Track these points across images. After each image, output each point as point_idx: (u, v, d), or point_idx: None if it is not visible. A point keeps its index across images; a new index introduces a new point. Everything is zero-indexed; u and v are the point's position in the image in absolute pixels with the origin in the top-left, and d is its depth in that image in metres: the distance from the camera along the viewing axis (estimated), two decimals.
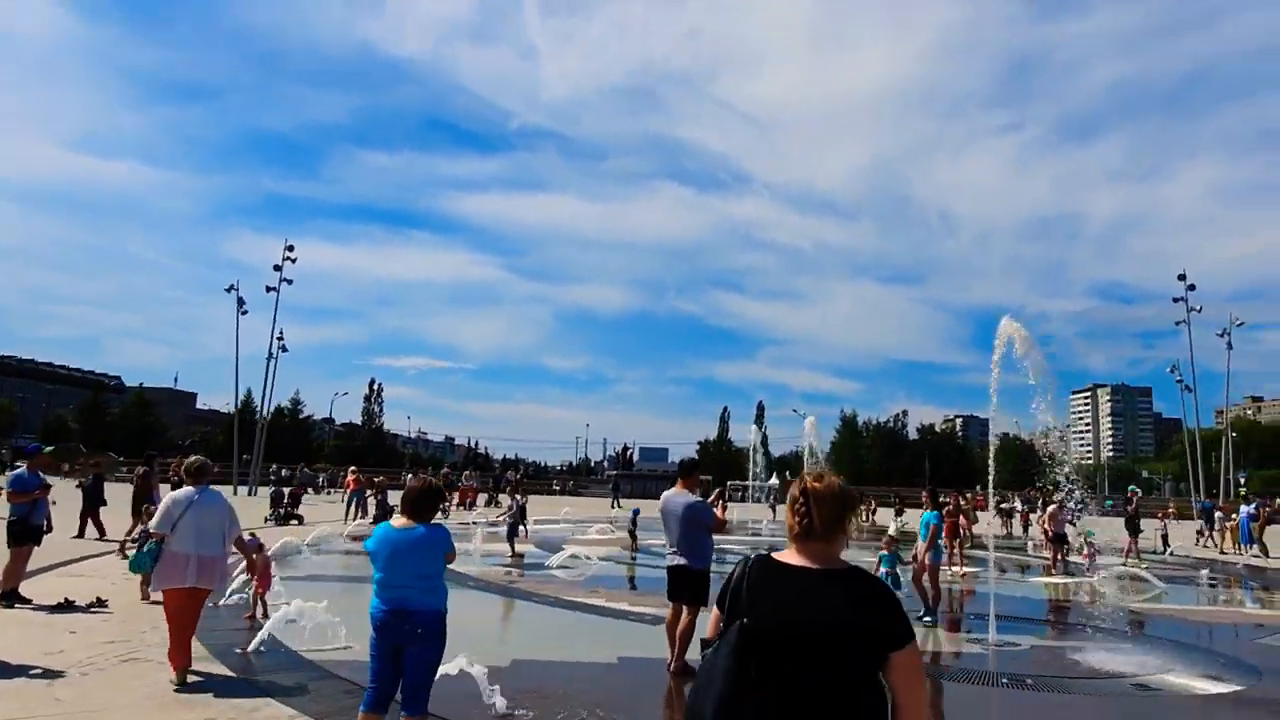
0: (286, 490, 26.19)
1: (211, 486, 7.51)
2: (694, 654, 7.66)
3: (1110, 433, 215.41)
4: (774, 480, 39.05)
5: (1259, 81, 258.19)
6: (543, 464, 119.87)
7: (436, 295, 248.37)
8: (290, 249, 41.31)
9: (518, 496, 19.97)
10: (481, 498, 41.32)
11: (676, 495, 8.08)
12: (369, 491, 26.25)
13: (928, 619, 11.26)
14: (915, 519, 13.04)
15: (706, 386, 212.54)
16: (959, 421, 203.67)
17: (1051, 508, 20.67)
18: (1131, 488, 28.73)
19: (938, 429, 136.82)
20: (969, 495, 33.12)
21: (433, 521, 5.09)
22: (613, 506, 40.04)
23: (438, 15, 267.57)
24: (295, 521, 24.06)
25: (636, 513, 22.81)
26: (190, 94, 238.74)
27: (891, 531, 14.68)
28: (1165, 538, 25.03)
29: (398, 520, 5.06)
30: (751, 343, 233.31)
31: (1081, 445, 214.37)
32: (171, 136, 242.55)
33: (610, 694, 7.04)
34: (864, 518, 32.77)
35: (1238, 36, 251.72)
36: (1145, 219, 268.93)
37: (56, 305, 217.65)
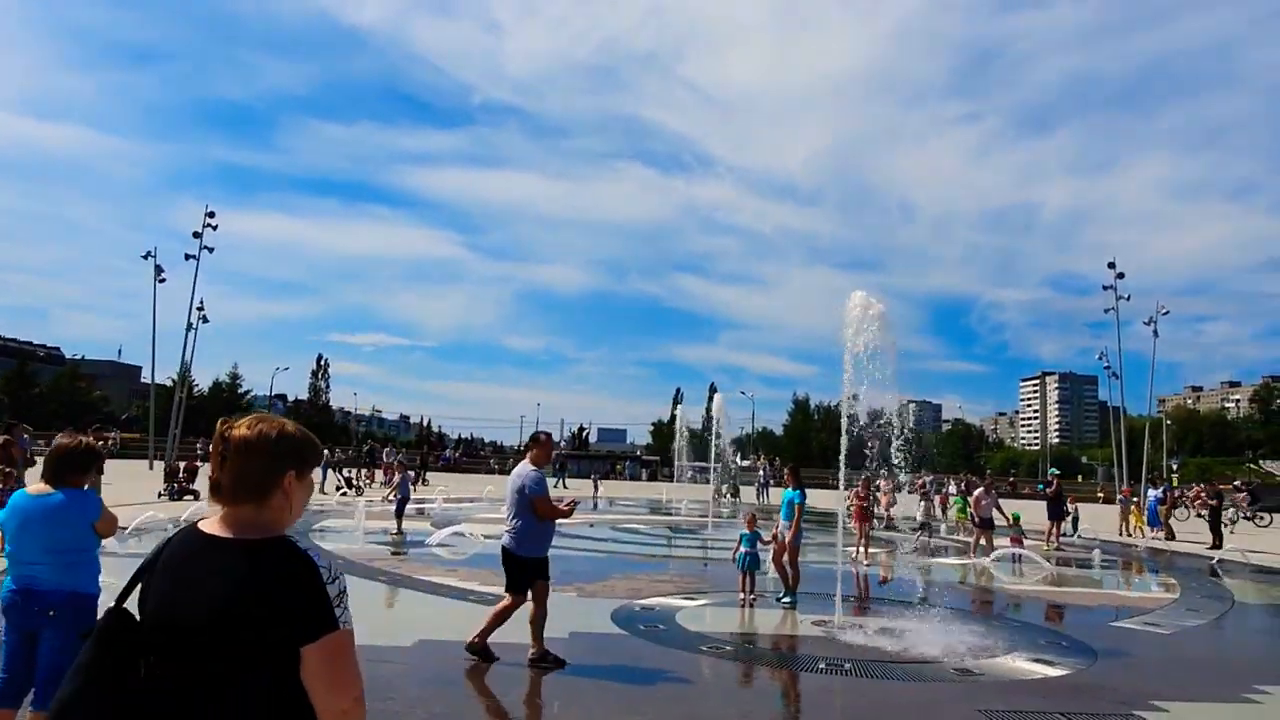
0: (182, 465, 25.18)
1: None
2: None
3: (1057, 419, 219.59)
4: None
5: (1206, 81, 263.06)
6: (500, 444, 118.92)
7: (395, 271, 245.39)
8: (211, 215, 39.77)
9: (408, 474, 19.32)
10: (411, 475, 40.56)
11: (519, 467, 7.54)
12: None
13: (787, 599, 10.91)
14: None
15: (666, 368, 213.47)
16: (911, 407, 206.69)
17: (977, 491, 20.54)
18: (1052, 470, 28.81)
19: (887, 413, 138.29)
20: (882, 480, 33.15)
21: (87, 488, 4.44)
22: (558, 486, 39.24)
23: None
24: (190, 497, 23.18)
25: None
26: (140, 57, 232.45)
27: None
28: (1075, 520, 25.13)
29: (34, 486, 4.39)
30: (712, 325, 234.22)
31: (1029, 431, 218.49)
32: (119, 100, 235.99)
33: (370, 678, 6.49)
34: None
35: (1187, 36, 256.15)
36: (1097, 211, 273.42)
37: None
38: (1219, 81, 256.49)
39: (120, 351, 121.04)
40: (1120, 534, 26.46)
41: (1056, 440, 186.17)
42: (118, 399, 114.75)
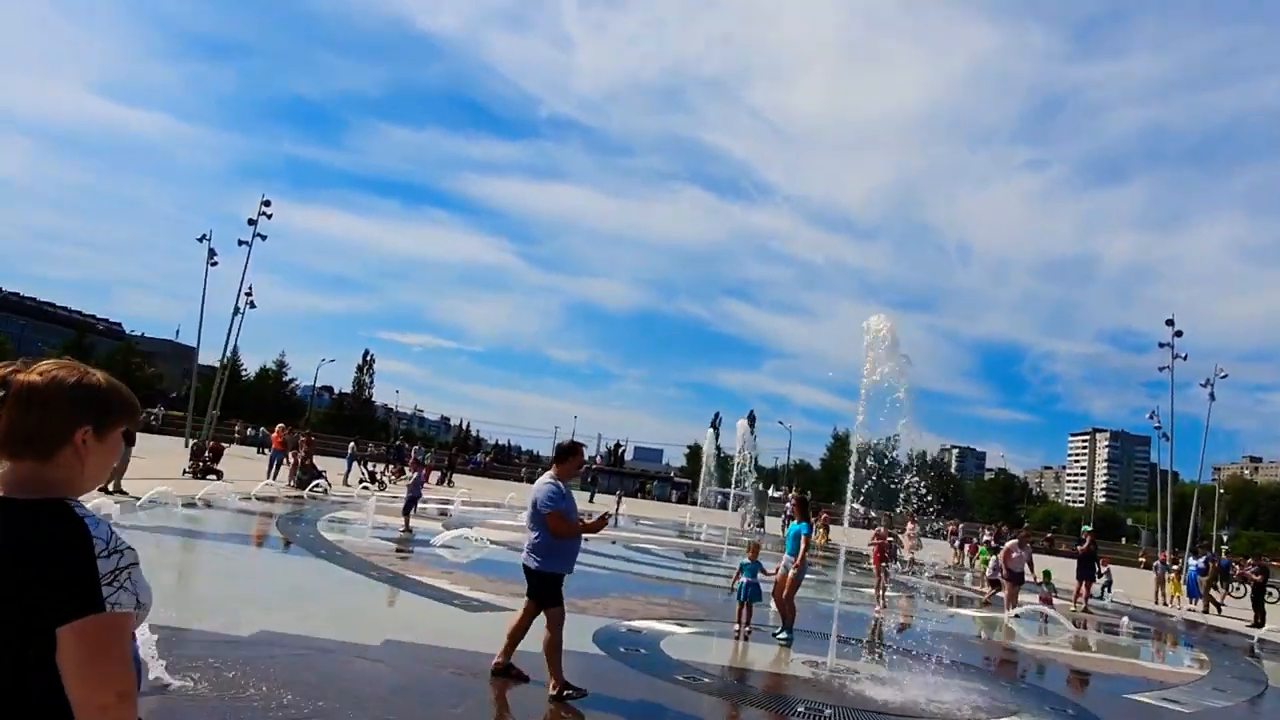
0: (209, 445, 25.42)
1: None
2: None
3: (1105, 478, 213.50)
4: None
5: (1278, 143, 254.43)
6: (535, 452, 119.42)
7: (448, 275, 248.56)
8: (267, 204, 40.51)
9: (422, 473, 19.18)
10: (434, 476, 40.62)
11: (540, 479, 7.00)
12: (295, 451, 25.53)
13: (783, 636, 10.45)
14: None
15: (708, 392, 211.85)
16: (954, 452, 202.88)
17: (1009, 543, 19.79)
18: (1085, 528, 27.69)
19: (929, 457, 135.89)
20: (909, 521, 32.33)
21: None
22: (590, 501, 38.83)
23: None
24: (214, 477, 23.34)
25: None
26: (220, 50, 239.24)
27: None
28: (1108, 584, 24.11)
29: None
30: (757, 353, 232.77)
31: (1075, 487, 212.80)
32: (197, 90, 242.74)
33: (320, 676, 6.25)
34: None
35: (1265, 95, 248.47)
36: (1161, 268, 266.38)
37: (65, 247, 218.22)
38: None
39: (178, 332, 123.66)
40: (1155, 602, 25.33)
41: (1103, 499, 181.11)
42: (172, 378, 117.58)
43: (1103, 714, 8.82)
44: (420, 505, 21.08)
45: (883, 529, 18.20)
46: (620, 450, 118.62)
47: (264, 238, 41.14)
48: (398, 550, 14.62)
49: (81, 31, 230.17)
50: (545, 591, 6.66)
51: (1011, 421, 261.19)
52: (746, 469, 27.38)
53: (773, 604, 11.05)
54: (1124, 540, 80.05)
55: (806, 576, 11.35)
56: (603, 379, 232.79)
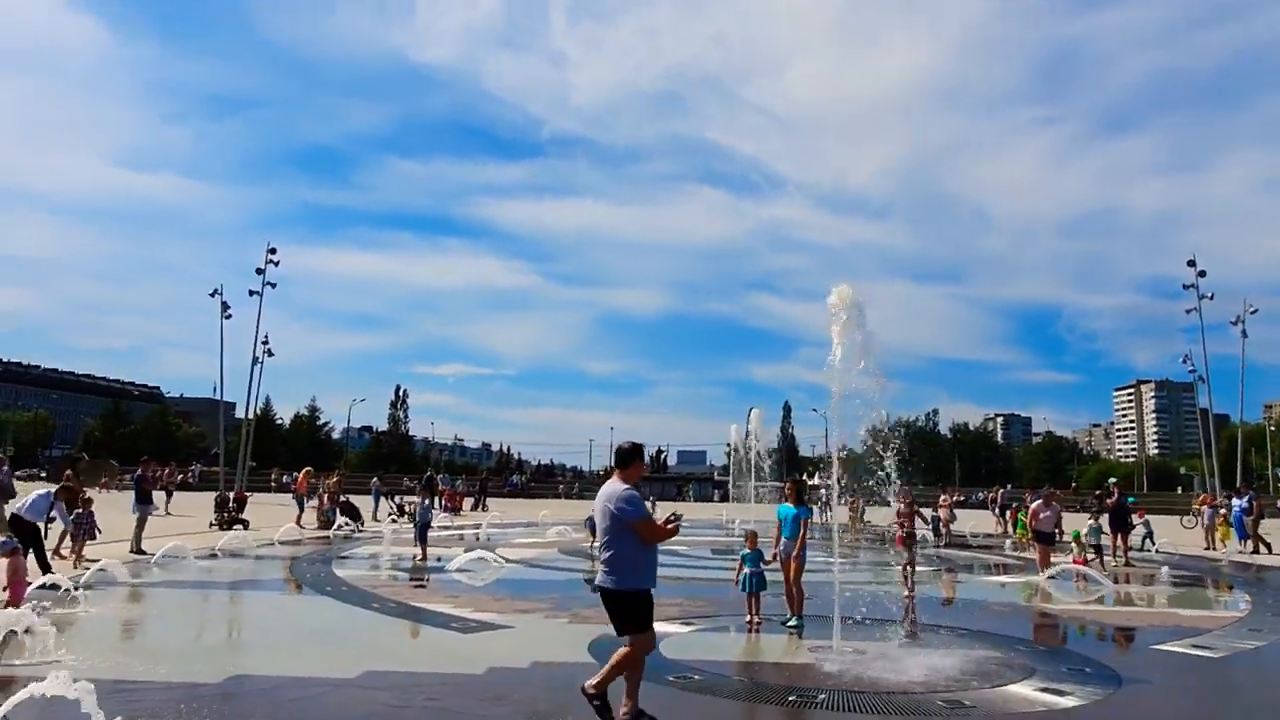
0: (231, 494, 25.59)
1: None
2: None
3: (1155, 429, 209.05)
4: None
5: None
6: (579, 469, 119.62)
7: (473, 301, 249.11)
8: (273, 251, 40.99)
9: (426, 500, 19.06)
10: (468, 502, 40.75)
11: (608, 487, 6.18)
12: (320, 494, 25.64)
13: (793, 623, 10.16)
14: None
15: (744, 387, 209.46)
16: (999, 420, 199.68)
17: (1035, 504, 19.33)
18: (1111, 480, 26.98)
19: (973, 428, 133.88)
20: (943, 492, 31.76)
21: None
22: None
23: (466, 22, 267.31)
24: (240, 527, 23.48)
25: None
26: (227, 107, 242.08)
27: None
28: (1150, 535, 23.43)
29: None
30: (789, 343, 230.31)
31: (1126, 443, 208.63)
32: (211, 148, 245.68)
33: (284, 713, 6.11)
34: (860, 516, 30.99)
35: (1275, 26, 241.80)
36: (1188, 212, 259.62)
37: (100, 316, 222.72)
38: None
39: (215, 388, 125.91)
40: (1206, 547, 24.57)
41: (1155, 451, 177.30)
42: (214, 434, 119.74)
43: (1124, 667, 8.42)
44: (451, 531, 21.12)
45: (903, 507, 16.41)
46: (662, 456, 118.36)
47: (273, 285, 41.71)
48: (410, 579, 14.53)
49: (97, 108, 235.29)
50: (633, 613, 5.90)
51: (1055, 383, 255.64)
52: (764, 459, 27.01)
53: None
54: (1179, 490, 78.12)
55: (827, 559, 11.05)
56: (639, 386, 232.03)
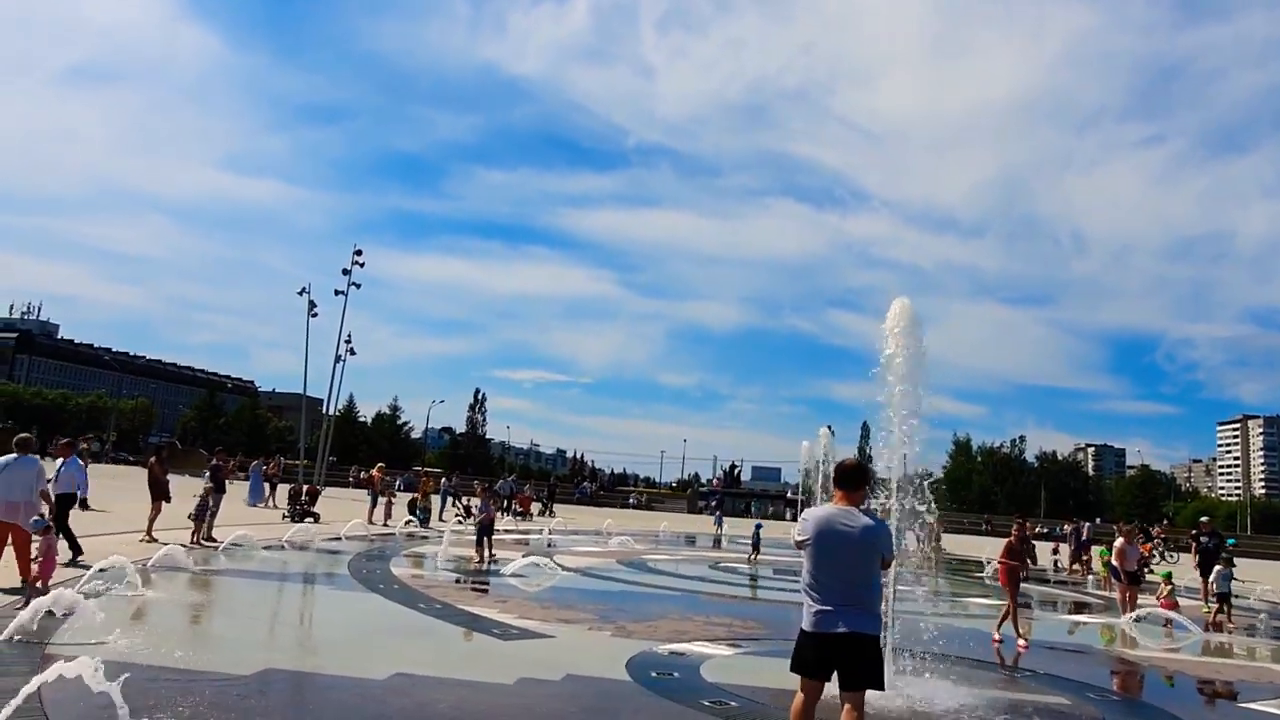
0: (305, 487, 26.21)
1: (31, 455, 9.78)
2: None
3: (1263, 467, 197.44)
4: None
5: None
6: (651, 479, 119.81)
7: (553, 309, 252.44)
8: (359, 253, 42.09)
9: (490, 503, 19.00)
10: (535, 506, 40.93)
11: (844, 513, 5.06)
12: (389, 490, 26.04)
13: None
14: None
15: (822, 406, 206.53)
16: (1090, 451, 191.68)
17: (1119, 542, 18.25)
18: (1203, 517, 25.22)
19: (1061, 457, 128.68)
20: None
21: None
22: (717, 528, 35.19)
23: (556, 36, 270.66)
24: (311, 520, 23.97)
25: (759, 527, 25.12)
26: (326, 116, 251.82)
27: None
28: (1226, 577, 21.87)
29: None
30: (868, 363, 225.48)
31: (1229, 480, 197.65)
32: (308, 156, 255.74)
33: (300, 712, 6.01)
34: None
35: None
36: None
37: (203, 314, 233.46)
38: None
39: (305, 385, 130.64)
40: None
41: (1262, 491, 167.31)
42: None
43: None
44: (518, 536, 21.06)
45: (1014, 540, 13.03)
46: (736, 471, 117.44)
47: (358, 286, 42.73)
48: (461, 581, 14.48)
49: (204, 117, 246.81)
50: (881, 665, 5.11)
51: (1152, 414, 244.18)
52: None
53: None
54: None
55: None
56: (714, 400, 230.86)
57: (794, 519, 57.87)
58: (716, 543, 30.39)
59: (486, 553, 17.27)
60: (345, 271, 42.10)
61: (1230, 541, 41.22)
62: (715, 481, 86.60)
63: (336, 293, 42.36)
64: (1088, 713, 7.94)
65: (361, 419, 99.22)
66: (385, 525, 24.52)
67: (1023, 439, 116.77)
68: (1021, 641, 11.47)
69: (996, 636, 11.75)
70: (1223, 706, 9.42)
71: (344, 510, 25.91)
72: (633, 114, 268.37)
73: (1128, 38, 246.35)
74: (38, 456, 10.12)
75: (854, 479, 5.22)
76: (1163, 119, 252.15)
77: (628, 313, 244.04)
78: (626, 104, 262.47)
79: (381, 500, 25.46)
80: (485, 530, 17.62)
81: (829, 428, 29.53)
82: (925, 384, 8.47)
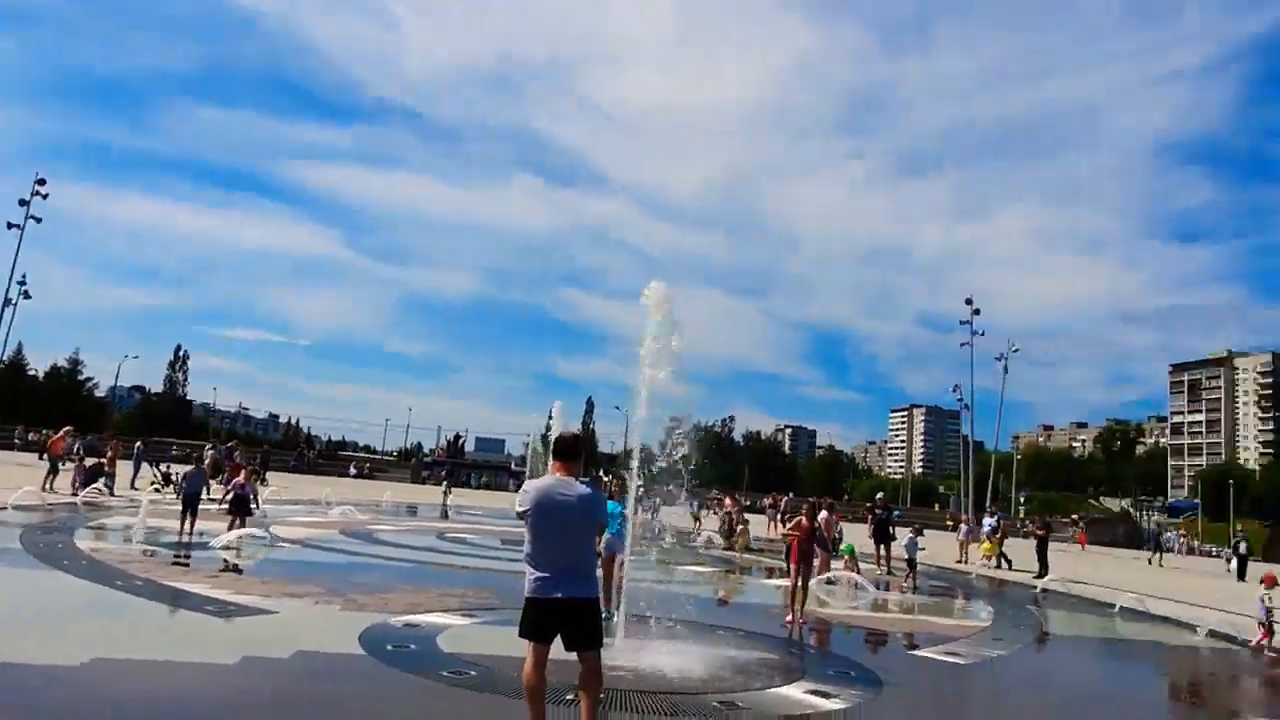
0: None
1: None
2: None
3: (922, 450, 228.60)
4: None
5: (1069, 139, 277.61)
6: (371, 447, 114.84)
7: (273, 266, 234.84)
8: (41, 182, 36.32)
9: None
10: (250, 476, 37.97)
11: (561, 484, 5.28)
12: (77, 456, 23.02)
13: (606, 616, 9.97)
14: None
15: (550, 381, 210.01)
16: (788, 431, 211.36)
17: (822, 515, 20.16)
18: (879, 494, 29.13)
19: (764, 436, 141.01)
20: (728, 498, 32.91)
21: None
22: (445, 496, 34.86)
23: None
24: None
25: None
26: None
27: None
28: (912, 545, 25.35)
29: None
30: (597, 340, 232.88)
31: (896, 461, 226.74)
32: None
33: None
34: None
35: (1060, 94, 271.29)
36: (968, 255, 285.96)
37: None
38: (1081, 141, 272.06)
39: None
40: (958, 561, 26.91)
41: (920, 470, 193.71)
42: None
43: (884, 670, 8.87)
44: (222, 506, 19.26)
45: (803, 518, 13.04)
46: (460, 441, 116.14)
47: (38, 219, 36.90)
48: (166, 556, 13.16)
49: None
50: (599, 626, 5.44)
51: (841, 401, 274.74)
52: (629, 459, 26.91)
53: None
54: (936, 507, 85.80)
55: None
56: (442, 370, 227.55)
57: (517, 490, 58.69)
58: (444, 514, 29.97)
59: (191, 523, 15.80)
60: (23, 202, 36.28)
61: (896, 513, 47.98)
62: (439, 451, 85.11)
63: (10, 225, 36.43)
64: (790, 663, 8.86)
65: (32, 371, 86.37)
66: (75, 495, 21.64)
67: (733, 419, 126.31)
68: (790, 617, 11.91)
69: (789, 617, 11.98)
70: (899, 653, 10.89)
71: (16, 477, 22.48)
72: (374, 68, 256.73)
73: (841, 62, 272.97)
74: None
75: (571, 451, 5.52)
76: (864, 137, 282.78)
77: (356, 275, 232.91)
78: (368, 57, 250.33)
79: (66, 467, 22.42)
80: (193, 499, 16.07)
81: (555, 402, 30.11)
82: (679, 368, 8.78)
